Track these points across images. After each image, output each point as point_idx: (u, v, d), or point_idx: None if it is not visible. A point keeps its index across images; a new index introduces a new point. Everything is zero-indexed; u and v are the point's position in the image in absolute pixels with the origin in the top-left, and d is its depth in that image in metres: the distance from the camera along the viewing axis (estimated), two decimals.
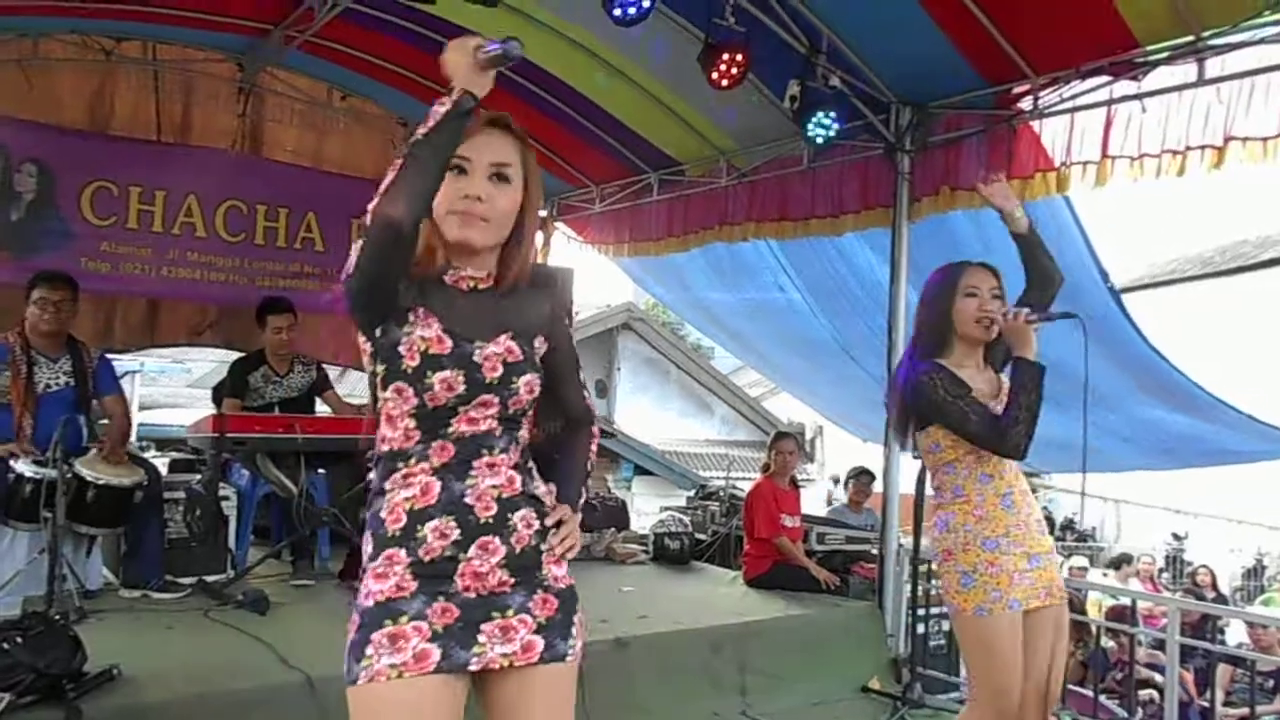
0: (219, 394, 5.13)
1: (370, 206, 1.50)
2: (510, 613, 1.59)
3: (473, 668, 1.56)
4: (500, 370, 1.62)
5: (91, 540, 4.22)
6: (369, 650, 1.51)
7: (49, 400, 4.13)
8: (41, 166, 5.88)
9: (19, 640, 2.77)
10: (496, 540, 1.59)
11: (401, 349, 1.57)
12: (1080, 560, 10.37)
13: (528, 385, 1.65)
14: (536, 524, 1.64)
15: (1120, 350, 5.88)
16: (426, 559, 1.56)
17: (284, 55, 6.24)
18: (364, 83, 6.71)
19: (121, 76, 6.28)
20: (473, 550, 1.58)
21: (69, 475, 3.82)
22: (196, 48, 6.39)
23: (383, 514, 1.59)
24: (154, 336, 6.90)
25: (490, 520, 1.59)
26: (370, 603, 1.54)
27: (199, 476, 4.87)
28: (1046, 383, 2.55)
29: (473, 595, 1.58)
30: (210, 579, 4.43)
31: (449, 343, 1.59)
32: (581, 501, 1.78)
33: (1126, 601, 5.93)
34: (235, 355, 5.63)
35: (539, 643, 1.60)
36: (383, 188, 1.49)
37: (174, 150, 6.46)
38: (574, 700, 1.66)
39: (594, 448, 1.85)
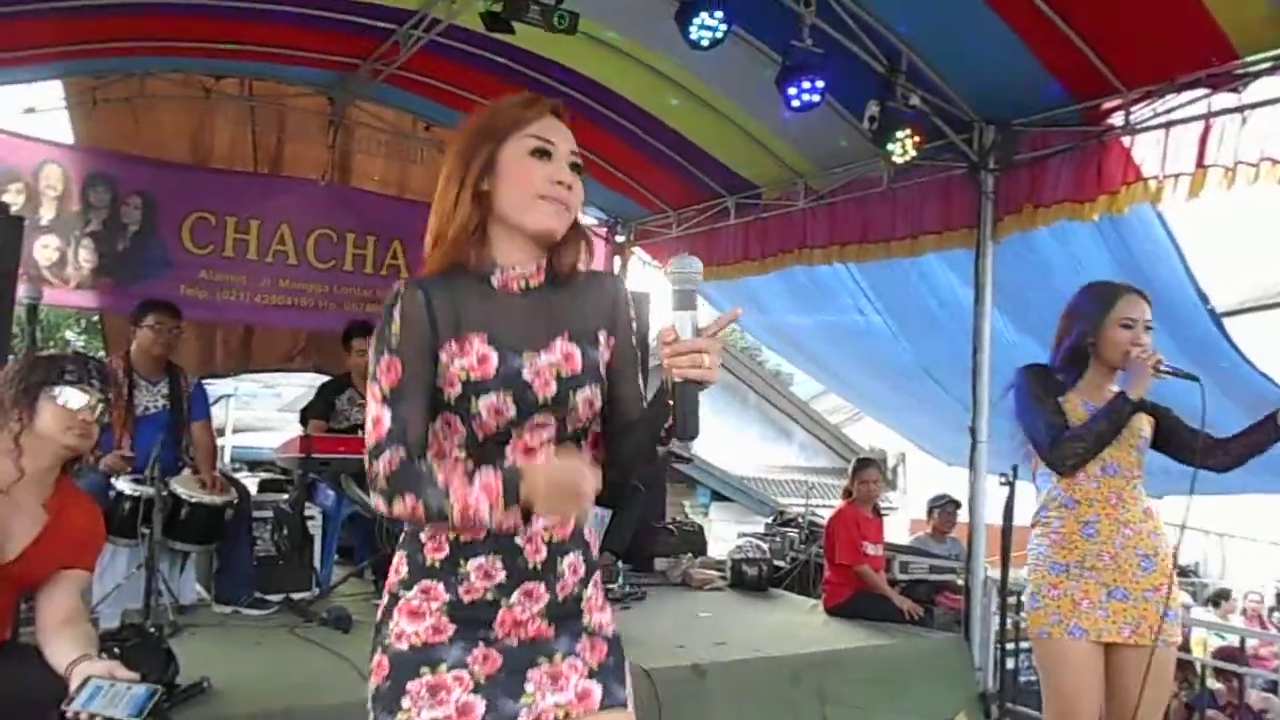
0: (307, 416, 5.27)
1: (385, 489, 1.38)
2: (558, 658, 1.46)
3: None
4: (554, 388, 1.45)
5: (185, 556, 4.37)
6: (405, 703, 1.38)
7: (146, 422, 4.33)
8: (146, 199, 6.17)
9: (116, 651, 2.86)
10: (541, 587, 1.45)
11: (439, 383, 1.43)
12: (1184, 597, 9.86)
13: (587, 401, 1.47)
14: (582, 570, 1.51)
15: (1223, 377, 5.60)
16: (467, 600, 1.43)
17: (371, 88, 6.46)
18: (446, 113, 6.87)
19: (220, 112, 6.61)
20: (516, 596, 1.44)
21: (165, 494, 3.97)
22: (289, 83, 6.67)
23: (422, 536, 1.45)
24: (249, 362, 7.18)
25: (539, 565, 1.45)
26: (404, 646, 1.43)
27: (286, 496, 5.00)
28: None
29: (514, 642, 1.45)
30: (297, 596, 4.53)
31: (494, 360, 1.42)
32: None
33: (1235, 640, 5.60)
34: (324, 379, 5.78)
35: (596, 689, 1.46)
36: (405, 505, 1.36)
37: (268, 181, 6.75)
38: None
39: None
